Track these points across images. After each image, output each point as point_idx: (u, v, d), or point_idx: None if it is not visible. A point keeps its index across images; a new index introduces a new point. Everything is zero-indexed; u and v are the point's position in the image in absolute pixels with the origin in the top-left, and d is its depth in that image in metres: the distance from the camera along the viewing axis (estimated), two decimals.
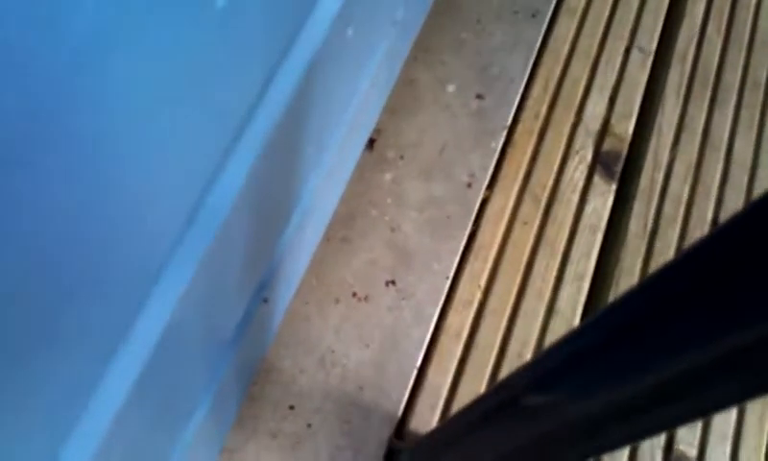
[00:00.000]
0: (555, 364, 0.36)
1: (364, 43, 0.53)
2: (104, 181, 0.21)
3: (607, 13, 0.92)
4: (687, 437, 0.70)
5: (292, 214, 0.50)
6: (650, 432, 0.32)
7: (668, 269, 0.26)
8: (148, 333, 0.31)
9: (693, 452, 0.69)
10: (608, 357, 0.32)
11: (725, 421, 0.71)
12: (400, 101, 0.80)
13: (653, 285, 0.28)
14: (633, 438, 0.33)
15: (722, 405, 0.27)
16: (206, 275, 0.34)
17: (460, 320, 0.70)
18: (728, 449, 0.70)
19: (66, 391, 0.26)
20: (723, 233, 0.24)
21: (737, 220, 0.23)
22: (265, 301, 0.51)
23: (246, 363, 0.54)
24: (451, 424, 0.49)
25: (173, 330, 0.32)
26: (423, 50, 0.83)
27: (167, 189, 0.27)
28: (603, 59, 0.89)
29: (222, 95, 0.29)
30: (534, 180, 0.80)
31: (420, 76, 0.82)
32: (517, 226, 0.77)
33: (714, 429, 0.70)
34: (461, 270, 0.73)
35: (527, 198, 0.79)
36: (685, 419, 0.30)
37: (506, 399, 0.40)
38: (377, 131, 0.78)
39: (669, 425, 0.31)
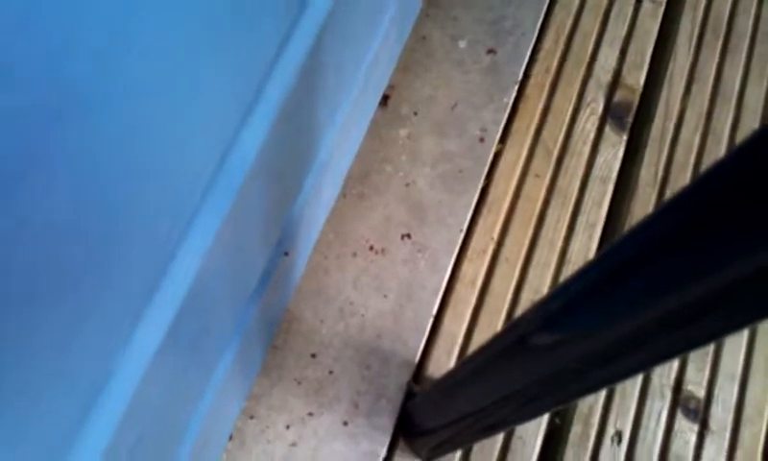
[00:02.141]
0: (561, 304, 0.38)
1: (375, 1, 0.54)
2: (130, 143, 0.24)
3: None
4: (696, 377, 0.72)
5: (309, 171, 0.52)
6: (654, 363, 0.34)
7: (665, 208, 0.28)
8: (179, 282, 0.33)
9: (702, 393, 0.72)
10: (611, 295, 0.33)
11: (733, 361, 0.73)
12: (413, 58, 0.82)
13: (650, 225, 0.30)
14: (636, 370, 0.35)
15: (723, 333, 0.29)
16: (230, 229, 0.37)
17: (474, 270, 0.73)
18: (735, 389, 0.72)
19: (107, 329, 0.29)
20: (721, 170, 0.25)
21: (736, 154, 0.24)
22: (286, 254, 0.54)
23: (270, 312, 0.57)
24: (464, 366, 0.52)
25: (202, 280, 0.35)
26: (435, 6, 0.84)
27: (192, 148, 0.29)
28: (614, 10, 0.89)
29: (239, 56, 0.31)
30: (545, 133, 0.81)
31: (431, 32, 0.83)
32: (530, 178, 0.78)
33: (722, 370, 0.73)
34: (474, 222, 0.75)
35: (539, 151, 0.80)
36: (680, 351, 0.32)
37: (515, 339, 0.43)
38: (391, 87, 0.80)
39: (668, 357, 0.33)
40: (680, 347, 0.32)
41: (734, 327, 0.28)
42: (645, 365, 0.35)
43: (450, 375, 0.55)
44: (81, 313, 0.26)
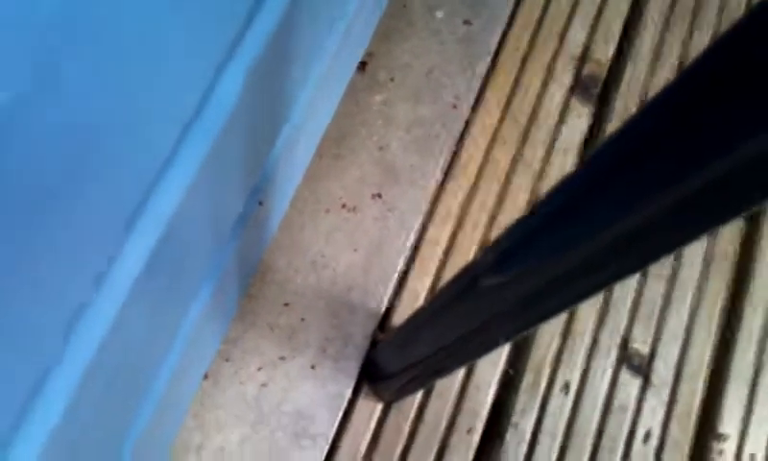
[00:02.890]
0: (507, 246, 0.42)
1: None
2: (110, 76, 0.27)
3: None
4: (642, 336, 0.78)
5: (284, 125, 0.56)
6: (588, 294, 0.37)
7: (593, 156, 0.32)
8: (160, 213, 0.37)
9: (646, 350, 0.77)
10: (551, 234, 0.37)
11: (677, 322, 0.79)
12: (392, 26, 0.85)
13: (577, 174, 0.34)
14: (572, 302, 0.39)
15: (632, 271, 0.33)
16: (209, 169, 0.40)
17: (440, 230, 0.77)
18: (677, 349, 0.78)
19: (88, 255, 0.33)
20: (646, 113, 0.28)
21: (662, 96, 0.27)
22: (260, 204, 0.58)
23: (245, 259, 0.62)
24: (420, 312, 0.57)
25: (181, 214, 0.39)
26: None
27: (169, 94, 0.33)
28: None
29: (215, 9, 0.34)
30: (515, 102, 0.85)
31: (411, 2, 0.86)
32: (498, 146, 0.83)
33: (667, 330, 0.78)
34: (443, 186, 0.79)
35: (508, 120, 0.84)
36: (610, 281, 0.36)
37: (466, 283, 0.47)
38: (369, 54, 0.83)
39: (600, 288, 0.36)
40: (602, 280, 0.35)
41: (694, 234, 0.29)
42: (579, 297, 0.38)
43: (410, 320, 0.60)
44: (61, 236, 0.30)
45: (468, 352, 0.53)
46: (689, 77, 0.25)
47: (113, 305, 0.36)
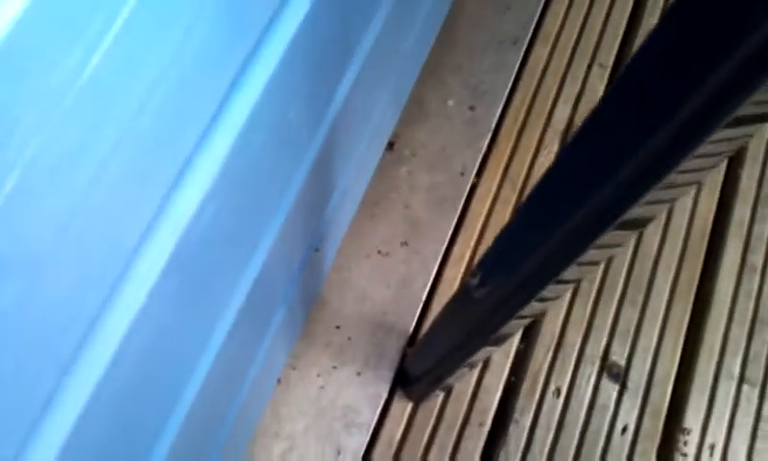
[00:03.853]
0: (487, 265, 0.63)
1: (377, 82, 0.82)
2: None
3: (574, 37, 1.19)
4: (619, 350, 0.97)
5: (332, 197, 0.80)
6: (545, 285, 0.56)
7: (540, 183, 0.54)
8: (252, 269, 0.60)
9: (623, 362, 0.97)
10: (521, 245, 0.57)
11: (649, 339, 0.98)
12: (413, 113, 1.09)
13: (528, 201, 0.56)
14: (539, 291, 0.58)
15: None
16: (283, 234, 0.63)
17: (455, 270, 0.99)
18: (649, 360, 0.97)
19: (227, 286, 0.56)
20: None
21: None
22: (317, 250, 0.81)
23: (306, 292, 0.84)
24: (433, 325, 0.78)
25: (268, 262, 0.62)
26: (429, 74, 1.12)
27: (268, 184, 0.56)
28: (569, 74, 1.16)
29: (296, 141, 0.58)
30: (512, 169, 1.08)
31: (427, 94, 1.11)
32: (499, 204, 1.05)
33: (640, 345, 0.98)
34: (456, 236, 1.02)
35: (507, 183, 1.07)
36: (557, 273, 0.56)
37: (463, 297, 0.68)
38: (396, 136, 1.07)
39: (551, 279, 0.56)
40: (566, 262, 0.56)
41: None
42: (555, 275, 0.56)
43: (426, 332, 0.81)
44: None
45: (470, 349, 0.74)
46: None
47: (225, 327, 0.59)
